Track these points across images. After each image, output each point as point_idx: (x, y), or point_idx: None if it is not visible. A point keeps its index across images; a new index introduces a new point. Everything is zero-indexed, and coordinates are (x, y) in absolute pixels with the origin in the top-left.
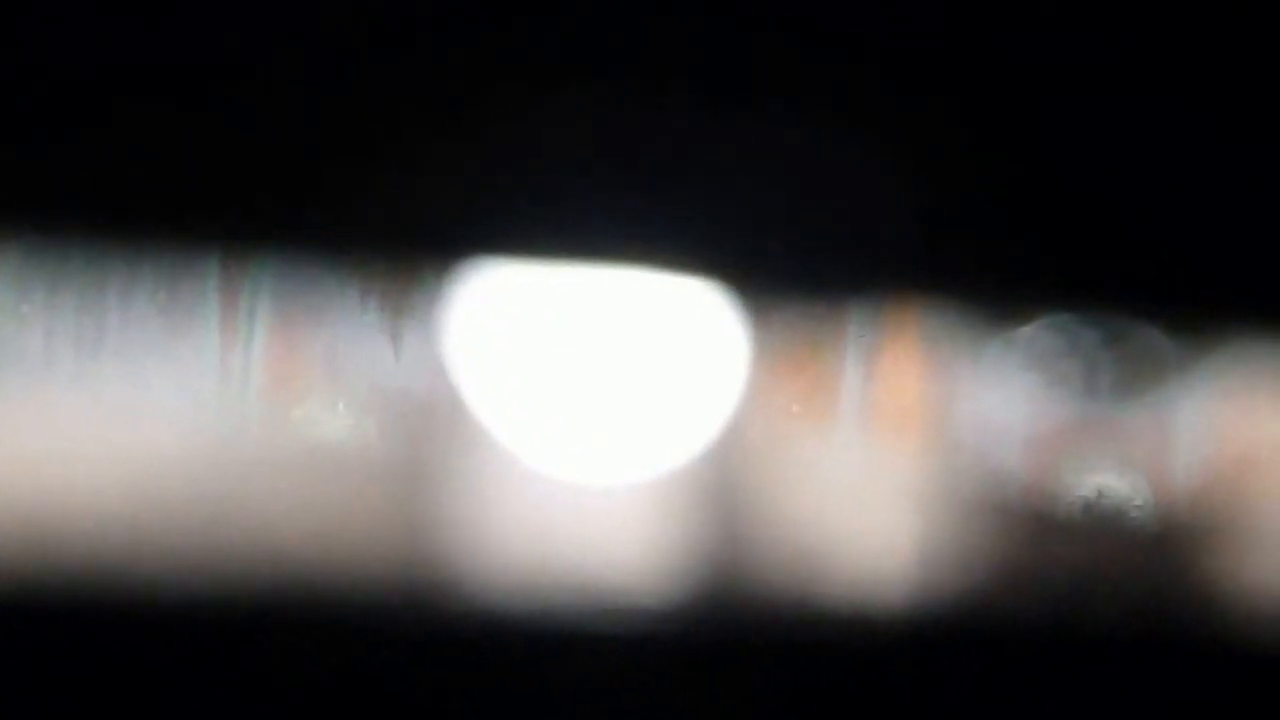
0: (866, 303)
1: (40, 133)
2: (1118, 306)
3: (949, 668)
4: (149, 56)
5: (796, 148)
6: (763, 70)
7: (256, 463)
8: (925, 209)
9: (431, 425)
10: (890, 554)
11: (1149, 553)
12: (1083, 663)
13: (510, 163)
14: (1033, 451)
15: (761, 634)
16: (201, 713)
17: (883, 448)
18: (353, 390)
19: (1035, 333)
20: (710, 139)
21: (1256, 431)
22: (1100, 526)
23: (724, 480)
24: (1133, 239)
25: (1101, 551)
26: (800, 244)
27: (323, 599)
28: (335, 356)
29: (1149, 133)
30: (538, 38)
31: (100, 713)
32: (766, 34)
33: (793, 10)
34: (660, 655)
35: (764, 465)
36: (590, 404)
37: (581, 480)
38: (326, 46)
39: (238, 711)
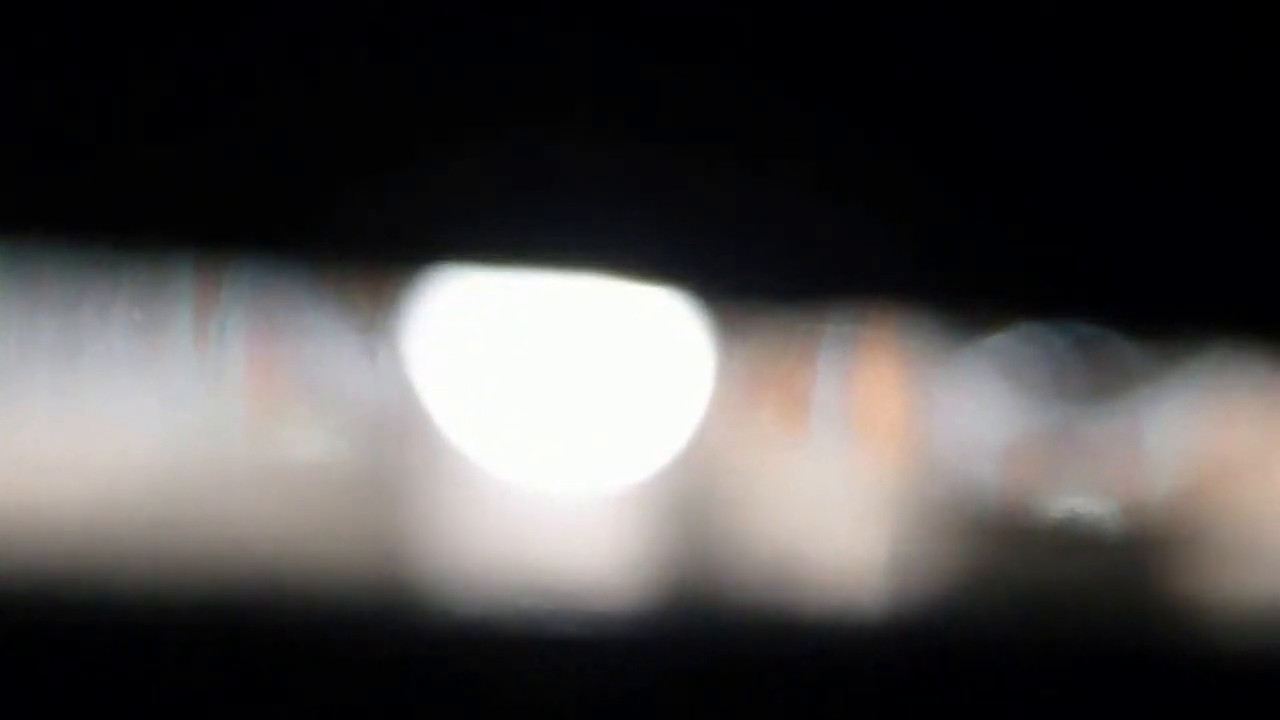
0: (839, 312)
1: (13, 145)
2: (1091, 316)
3: (921, 680)
4: (124, 69)
5: (767, 158)
6: (733, 82)
7: (231, 475)
8: (898, 219)
9: (404, 436)
10: (862, 565)
11: (1122, 564)
12: (1056, 674)
13: (483, 175)
14: (1006, 462)
15: (732, 645)
16: None
17: (854, 458)
18: (328, 401)
19: (1009, 343)
20: (680, 149)
21: (1229, 442)
22: (1073, 537)
23: (695, 490)
24: (1106, 249)
25: (1074, 562)
26: (772, 253)
27: (296, 610)
28: (310, 369)
29: (1122, 145)
30: (509, 51)
31: None
32: (737, 50)
33: (763, 30)
34: (630, 666)
35: (735, 475)
36: (562, 414)
37: (553, 490)
38: (301, 62)
39: None
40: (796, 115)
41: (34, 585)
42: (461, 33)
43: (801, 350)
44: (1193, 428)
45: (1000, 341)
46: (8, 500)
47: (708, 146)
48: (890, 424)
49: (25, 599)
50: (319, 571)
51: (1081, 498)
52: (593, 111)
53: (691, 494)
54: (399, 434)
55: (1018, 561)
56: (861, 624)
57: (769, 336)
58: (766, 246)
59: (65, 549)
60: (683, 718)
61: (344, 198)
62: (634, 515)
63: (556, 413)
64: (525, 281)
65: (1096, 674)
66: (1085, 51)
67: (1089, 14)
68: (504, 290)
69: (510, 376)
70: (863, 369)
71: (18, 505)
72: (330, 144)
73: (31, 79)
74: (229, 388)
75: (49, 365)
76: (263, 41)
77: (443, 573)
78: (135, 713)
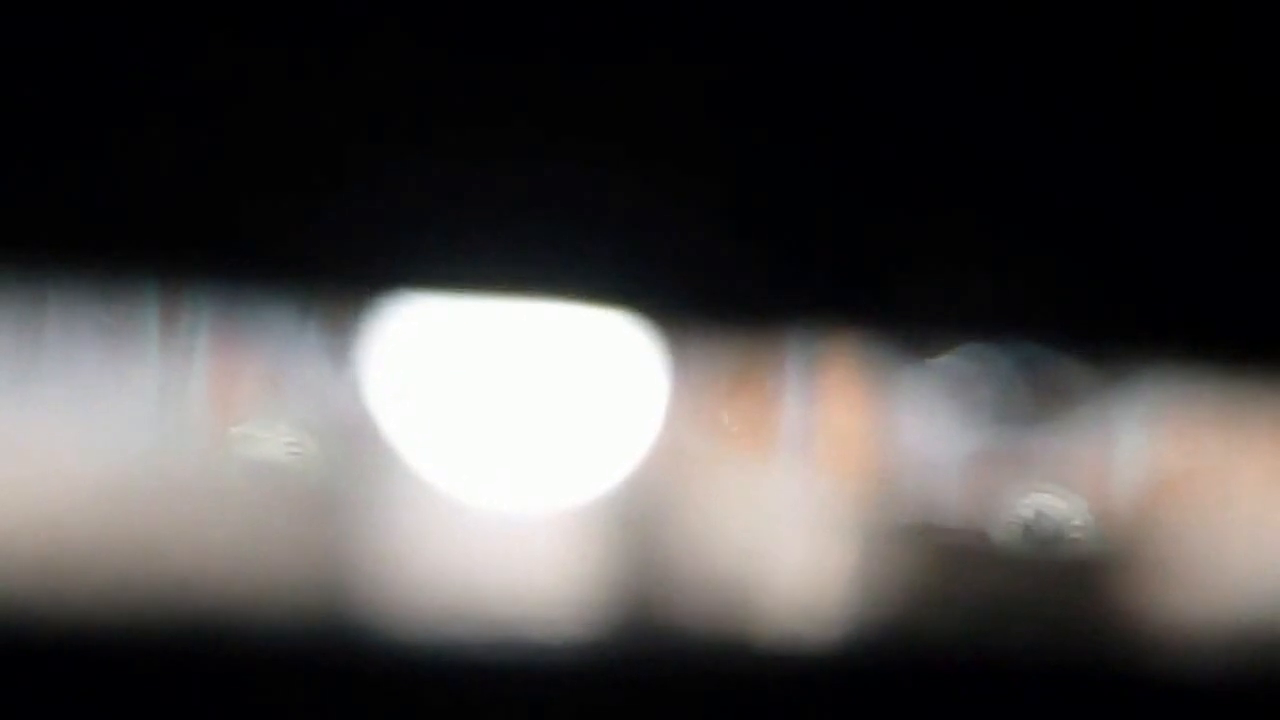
0: (795, 333)
1: None
2: (1049, 335)
3: (881, 699)
4: (88, 83)
5: (722, 182)
6: (692, 105)
7: (193, 487)
8: (855, 239)
9: (357, 455)
10: (820, 584)
11: (1080, 581)
12: (1014, 693)
13: (438, 201)
14: (965, 481)
15: (686, 666)
16: None
17: (810, 477)
18: (290, 416)
19: (966, 361)
20: (638, 172)
21: (1186, 460)
22: (1033, 555)
23: (649, 511)
24: (1062, 268)
25: (1034, 580)
26: (728, 275)
27: (247, 626)
28: (273, 382)
29: (1077, 162)
30: (468, 78)
31: None
32: (695, 70)
33: (719, 49)
34: (584, 688)
35: (690, 496)
36: (518, 435)
37: (507, 511)
38: (267, 79)
39: None
40: (751, 139)
41: None
42: (418, 59)
43: (756, 372)
44: (1150, 447)
45: (958, 361)
46: None
47: (663, 171)
48: (846, 445)
49: None
50: (271, 589)
51: (1041, 516)
52: (555, 139)
53: (647, 515)
54: (354, 455)
55: (977, 579)
56: (820, 645)
57: (723, 359)
58: (725, 269)
59: (23, 559)
60: None
61: (305, 218)
62: (588, 536)
63: (516, 434)
64: (480, 305)
65: (1055, 692)
66: (1045, 77)
67: (1034, 35)
68: (458, 313)
69: (465, 399)
70: (819, 390)
71: None
72: (297, 162)
73: None
74: (190, 404)
75: (12, 374)
76: (229, 65)
77: (395, 592)
78: None
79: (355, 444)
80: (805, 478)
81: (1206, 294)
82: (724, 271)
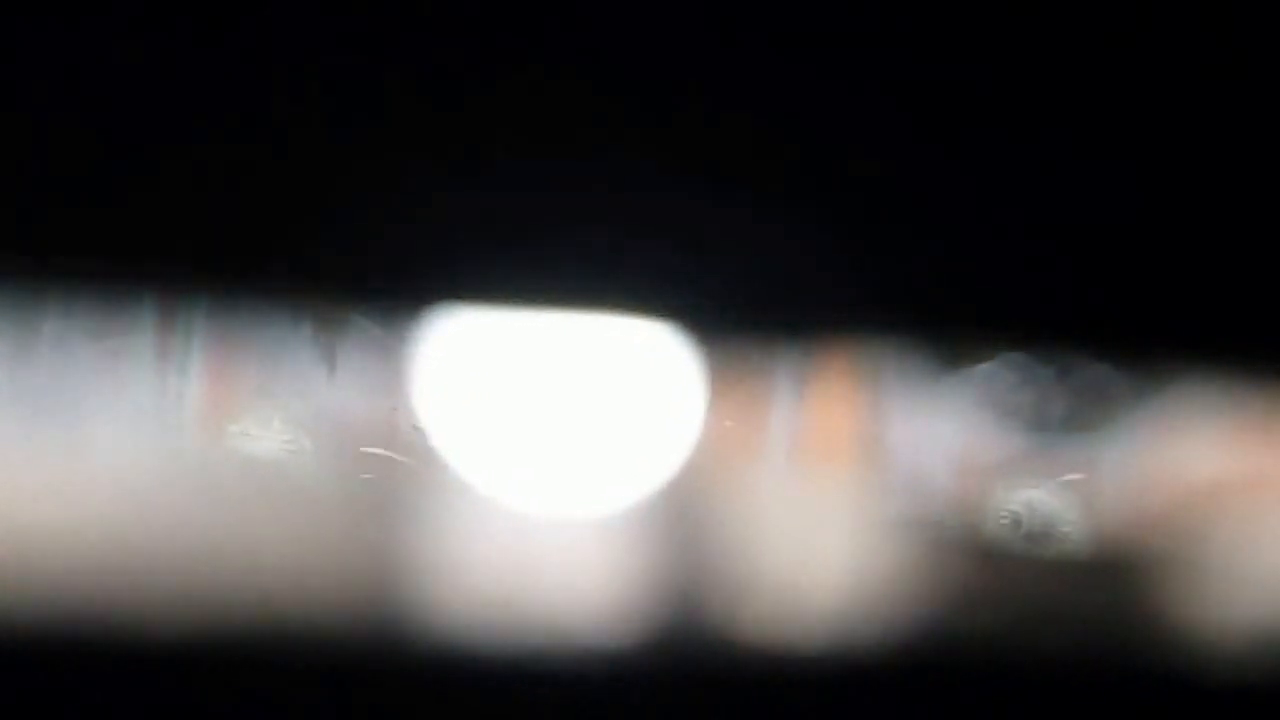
0: (819, 341)
1: None
2: (1058, 343)
3: (915, 700)
4: (86, 93)
5: (741, 190)
6: (711, 125)
7: (205, 495)
8: (870, 248)
9: (392, 461)
10: (864, 587)
11: (1089, 586)
12: (1024, 698)
13: (473, 213)
14: (987, 487)
15: (726, 668)
16: None
17: (839, 483)
18: (306, 423)
19: (987, 369)
20: (656, 187)
21: (1199, 468)
22: (1042, 559)
23: (683, 515)
24: (1075, 275)
25: (1043, 584)
26: (749, 285)
27: (279, 636)
28: (283, 388)
29: (1093, 170)
30: (494, 81)
31: None
32: (712, 91)
33: (733, 68)
34: (619, 689)
35: (729, 500)
36: (542, 437)
37: (536, 513)
38: (269, 83)
39: None
40: (771, 154)
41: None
42: (449, 65)
43: (786, 379)
44: (1161, 455)
45: (980, 369)
46: None
47: (701, 183)
48: (874, 451)
49: None
50: (303, 599)
51: (1049, 520)
52: (575, 152)
53: (681, 520)
54: (386, 460)
55: (1001, 586)
56: (866, 647)
57: (751, 366)
58: (745, 279)
59: (25, 568)
60: None
61: (323, 226)
62: (628, 541)
63: (541, 437)
64: (510, 309)
65: (1065, 698)
66: (1050, 82)
67: (1062, 43)
68: (489, 318)
69: (507, 407)
70: (842, 397)
71: None
72: (307, 167)
73: None
74: (195, 408)
75: (7, 379)
76: (226, 70)
77: (429, 597)
78: None
79: (384, 452)
80: (839, 484)
81: (1205, 296)
82: (761, 281)
